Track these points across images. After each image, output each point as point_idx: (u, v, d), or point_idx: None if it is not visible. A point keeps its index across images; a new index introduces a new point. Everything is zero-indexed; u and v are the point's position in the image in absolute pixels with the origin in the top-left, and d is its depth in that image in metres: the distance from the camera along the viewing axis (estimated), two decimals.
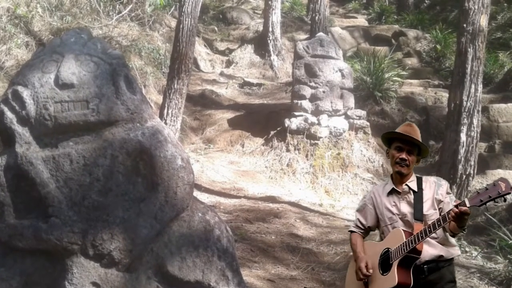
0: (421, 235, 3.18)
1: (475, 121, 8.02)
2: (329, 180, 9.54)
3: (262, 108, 11.98)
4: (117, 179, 3.19)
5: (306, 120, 10.03)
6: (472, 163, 8.01)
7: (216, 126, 11.26)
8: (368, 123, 10.36)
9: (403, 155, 3.44)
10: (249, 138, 10.67)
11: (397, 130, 3.55)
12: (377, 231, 3.81)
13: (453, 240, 3.46)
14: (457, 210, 3.02)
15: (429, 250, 3.33)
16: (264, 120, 11.10)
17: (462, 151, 7.95)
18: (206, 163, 9.66)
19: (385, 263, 3.36)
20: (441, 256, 3.36)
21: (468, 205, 3.01)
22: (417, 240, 3.19)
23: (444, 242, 3.41)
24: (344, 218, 7.91)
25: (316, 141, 9.93)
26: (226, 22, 17.26)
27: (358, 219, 3.67)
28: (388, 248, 3.35)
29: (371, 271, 3.39)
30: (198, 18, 9.41)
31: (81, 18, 10.95)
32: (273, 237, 6.85)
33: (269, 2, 14.90)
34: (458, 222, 3.09)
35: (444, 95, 11.27)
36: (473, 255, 6.90)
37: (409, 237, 3.25)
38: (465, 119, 7.98)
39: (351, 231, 3.71)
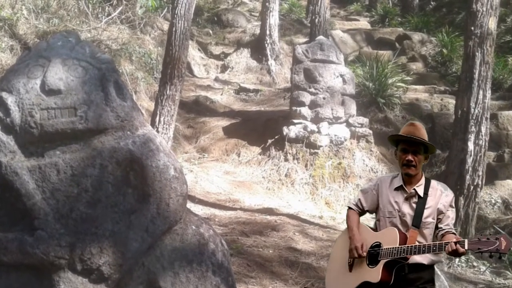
0: (414, 250, 3.43)
1: (483, 129, 8.03)
2: (330, 191, 9.55)
3: (259, 115, 11.99)
4: (107, 190, 3.20)
5: (305, 128, 10.05)
6: (480, 173, 8.02)
7: (210, 134, 11.27)
8: (370, 131, 10.39)
9: (409, 157, 3.63)
10: (245, 147, 10.68)
11: (401, 131, 3.75)
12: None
13: None
14: (455, 248, 3.28)
15: (415, 256, 3.52)
16: (261, 128, 11.12)
17: (469, 160, 7.96)
18: (200, 173, 9.66)
19: (373, 256, 3.60)
20: (423, 264, 3.58)
21: (466, 247, 3.28)
22: (409, 253, 3.44)
23: None
24: None
25: (316, 150, 9.95)
26: (221, 25, 17.31)
27: (359, 199, 3.93)
28: (380, 243, 3.59)
29: (365, 253, 3.62)
30: (192, 20, 9.45)
31: (68, 21, 10.96)
32: (270, 251, 6.85)
33: (267, 4, 14.96)
34: (451, 255, 3.41)
35: (450, 102, 11.31)
36: (481, 270, 6.92)
37: (402, 241, 3.50)
38: (473, 127, 7.99)
39: (350, 208, 3.98)
